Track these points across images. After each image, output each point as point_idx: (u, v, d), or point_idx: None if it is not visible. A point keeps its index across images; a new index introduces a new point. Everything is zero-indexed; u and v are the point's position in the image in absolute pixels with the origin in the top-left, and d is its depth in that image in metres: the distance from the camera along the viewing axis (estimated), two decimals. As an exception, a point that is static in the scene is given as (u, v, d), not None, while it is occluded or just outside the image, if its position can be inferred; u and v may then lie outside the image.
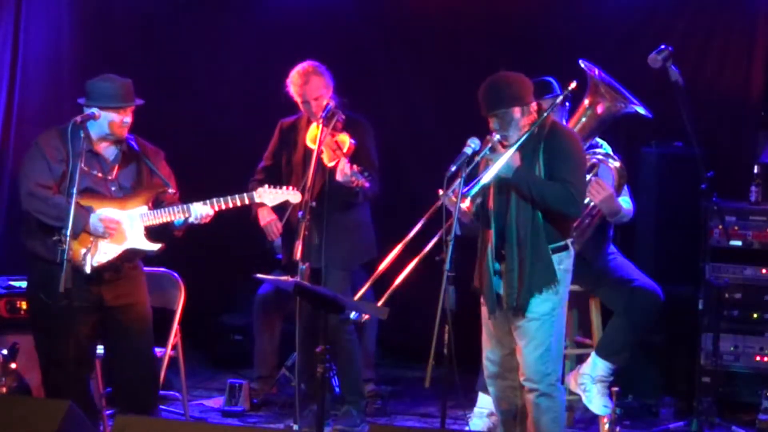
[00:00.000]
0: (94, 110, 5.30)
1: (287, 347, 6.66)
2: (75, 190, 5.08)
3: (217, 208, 5.47)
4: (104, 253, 5.31)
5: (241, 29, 7.83)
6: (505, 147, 5.00)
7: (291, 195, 5.70)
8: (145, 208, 5.38)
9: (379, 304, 5.29)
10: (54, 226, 5.16)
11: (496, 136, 5.00)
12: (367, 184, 5.89)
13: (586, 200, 5.70)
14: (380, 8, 7.73)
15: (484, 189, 5.00)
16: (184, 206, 5.41)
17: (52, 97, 7.50)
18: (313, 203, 5.83)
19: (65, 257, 5.03)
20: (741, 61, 7.04)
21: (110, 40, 7.70)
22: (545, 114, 5.06)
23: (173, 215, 5.39)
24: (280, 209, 6.18)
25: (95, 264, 5.27)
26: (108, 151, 5.42)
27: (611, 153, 5.87)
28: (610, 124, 5.81)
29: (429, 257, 5.19)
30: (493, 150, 5.00)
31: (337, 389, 6.50)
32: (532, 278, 4.98)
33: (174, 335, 5.98)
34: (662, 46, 5.73)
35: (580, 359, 6.05)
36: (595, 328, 6.03)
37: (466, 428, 5.96)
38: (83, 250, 5.26)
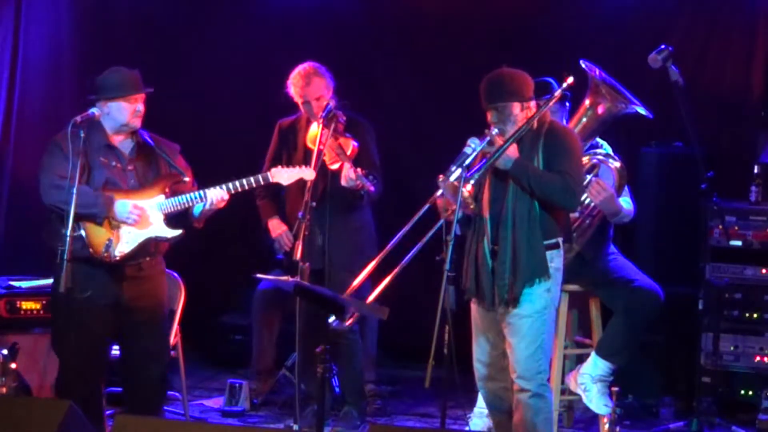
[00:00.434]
0: (95, 110, 5.31)
1: (287, 347, 6.66)
2: (75, 189, 5.08)
3: (232, 191, 5.47)
4: (126, 242, 5.33)
5: (242, 29, 7.82)
6: (502, 140, 5.01)
7: (305, 172, 5.68)
8: (162, 197, 5.40)
9: (370, 299, 5.28)
10: (79, 213, 5.15)
11: (494, 130, 5.01)
12: (372, 188, 5.89)
13: (587, 201, 5.72)
14: (380, 8, 7.73)
15: (482, 178, 4.98)
16: (200, 192, 5.42)
17: (52, 97, 7.51)
18: (313, 204, 5.82)
19: (65, 257, 5.03)
20: (741, 60, 7.04)
21: (110, 39, 7.69)
22: (543, 108, 5.05)
23: (190, 202, 5.40)
24: (286, 218, 6.23)
25: (118, 255, 5.29)
26: (124, 144, 5.45)
27: (612, 153, 5.86)
28: (610, 124, 5.80)
29: (428, 256, 5.16)
30: (491, 143, 5.01)
31: (337, 389, 6.49)
32: (525, 270, 4.98)
33: (174, 335, 5.98)
34: (662, 46, 5.72)
35: (580, 359, 6.04)
36: (595, 328, 6.02)
37: (466, 428, 5.95)
38: (106, 242, 5.28)
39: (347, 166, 5.89)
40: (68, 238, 5.05)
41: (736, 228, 6.44)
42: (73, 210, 5.07)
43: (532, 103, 5.09)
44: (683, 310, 6.49)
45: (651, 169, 6.81)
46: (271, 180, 5.60)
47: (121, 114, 5.38)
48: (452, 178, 4.90)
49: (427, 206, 5.13)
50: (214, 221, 5.72)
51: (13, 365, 5.79)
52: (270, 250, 6.61)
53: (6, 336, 6.06)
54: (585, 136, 5.74)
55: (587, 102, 5.76)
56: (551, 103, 5.13)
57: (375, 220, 6.39)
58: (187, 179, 5.47)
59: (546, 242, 5.05)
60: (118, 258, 5.32)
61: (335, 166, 5.97)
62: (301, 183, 5.89)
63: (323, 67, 6.19)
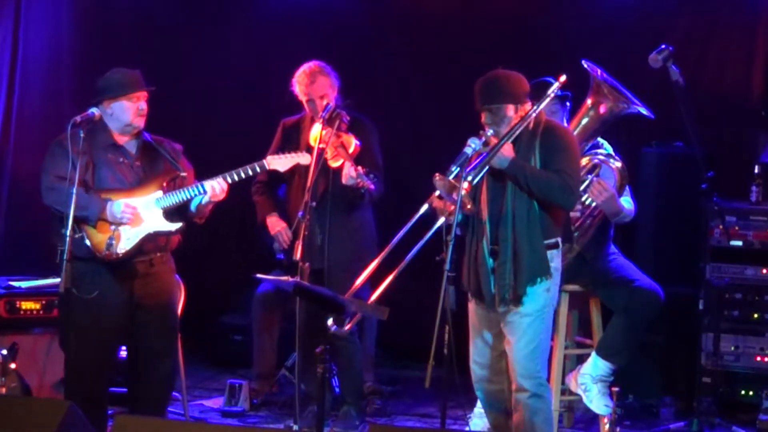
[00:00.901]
0: (94, 110, 5.33)
1: (287, 347, 6.65)
2: (75, 190, 5.09)
3: (229, 181, 5.46)
4: (127, 239, 5.33)
5: (242, 29, 7.83)
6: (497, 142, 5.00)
7: (301, 157, 5.68)
8: (160, 193, 5.41)
9: (372, 300, 5.27)
10: (75, 216, 5.15)
11: (489, 131, 5.00)
12: (372, 186, 5.88)
13: (588, 201, 5.71)
14: (380, 8, 7.73)
15: (479, 178, 4.96)
16: (198, 186, 5.42)
17: (52, 97, 7.51)
18: (313, 203, 5.81)
19: (65, 257, 5.03)
20: (741, 60, 7.04)
21: (110, 39, 7.70)
22: (538, 107, 5.01)
23: (188, 196, 5.40)
24: (287, 218, 6.21)
25: (121, 252, 5.30)
26: (129, 144, 5.47)
27: (613, 153, 5.85)
28: (611, 124, 5.79)
29: (428, 256, 5.15)
30: (486, 144, 5.00)
31: (337, 389, 6.48)
32: (527, 269, 4.98)
33: None
34: (663, 46, 5.69)
35: (581, 359, 6.03)
36: (596, 328, 6.01)
37: (467, 428, 5.95)
38: (107, 241, 5.29)
39: (348, 164, 5.88)
40: (68, 238, 5.05)
41: (737, 228, 6.43)
42: (73, 211, 5.09)
43: (528, 104, 5.07)
44: (684, 311, 6.48)
45: (651, 169, 6.81)
46: (267, 167, 5.59)
47: (124, 113, 5.39)
48: (450, 177, 4.89)
49: (425, 207, 5.12)
50: (214, 221, 5.73)
51: (13, 365, 5.84)
52: (270, 250, 6.59)
53: (6, 336, 6.05)
54: (586, 136, 5.74)
55: (589, 102, 5.75)
56: (544, 103, 5.07)
57: (375, 220, 6.37)
58: (184, 174, 5.48)
59: (546, 242, 5.04)
60: (121, 255, 5.32)
61: (336, 164, 5.95)
62: (302, 182, 5.90)
63: (328, 66, 6.19)
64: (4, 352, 5.81)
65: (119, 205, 5.30)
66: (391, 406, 6.76)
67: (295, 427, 5.85)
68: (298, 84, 6.16)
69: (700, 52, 7.05)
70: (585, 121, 5.77)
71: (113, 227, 5.32)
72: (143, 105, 5.41)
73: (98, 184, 5.37)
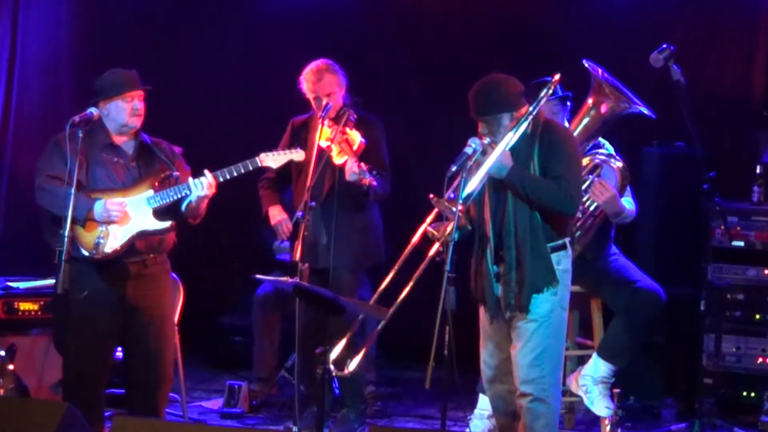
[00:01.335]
0: (93, 110, 5.32)
1: (287, 348, 6.63)
2: (73, 190, 5.09)
3: (220, 179, 5.44)
4: (115, 238, 5.31)
5: (242, 29, 7.82)
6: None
7: (294, 154, 5.66)
8: (151, 192, 5.39)
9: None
10: (60, 215, 5.16)
11: (486, 140, 4.96)
12: (375, 183, 5.86)
13: (589, 201, 5.70)
14: (381, 7, 7.72)
15: (475, 191, 4.93)
16: (188, 182, 5.40)
17: (51, 96, 7.50)
18: (312, 203, 5.80)
19: (63, 258, 5.02)
20: (743, 60, 7.03)
21: (109, 39, 7.69)
22: (532, 111, 4.95)
23: (178, 194, 5.38)
24: (291, 210, 6.17)
25: (109, 251, 5.28)
26: (127, 144, 5.46)
27: (614, 153, 5.84)
28: (612, 124, 5.77)
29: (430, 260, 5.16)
30: (483, 153, 4.96)
31: (337, 391, 6.46)
32: (532, 278, 4.93)
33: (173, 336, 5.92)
34: (664, 46, 5.64)
35: (582, 360, 6.02)
36: (597, 329, 6.00)
37: (467, 430, 5.93)
38: (95, 241, 5.27)
39: (351, 160, 5.86)
40: (66, 239, 5.04)
41: (738, 228, 6.41)
42: (70, 211, 5.07)
43: (523, 108, 5.00)
44: (685, 311, 6.48)
45: (652, 169, 6.80)
46: (260, 164, 5.56)
47: (120, 113, 5.38)
48: (449, 175, 4.86)
49: (419, 234, 5.13)
50: (214, 221, 5.72)
51: (11, 366, 5.84)
52: (269, 250, 6.57)
53: (4, 337, 6.04)
54: (587, 135, 5.73)
55: (590, 101, 5.73)
56: (538, 107, 5.00)
57: (382, 220, 6.34)
58: (176, 173, 5.45)
59: (552, 244, 4.99)
60: (109, 254, 5.30)
61: (341, 161, 5.94)
62: (305, 180, 5.88)
63: (336, 64, 6.18)
64: (2, 353, 5.82)
65: (101, 204, 5.28)
66: (391, 407, 6.75)
67: (295, 429, 5.83)
68: (306, 81, 6.14)
69: (701, 52, 7.05)
70: (586, 120, 5.75)
71: (102, 227, 5.30)
72: (138, 104, 5.39)
73: (92, 184, 5.36)
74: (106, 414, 5.66)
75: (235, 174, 5.46)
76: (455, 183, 4.90)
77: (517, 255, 4.95)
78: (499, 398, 5.24)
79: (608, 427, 5.80)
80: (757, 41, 6.97)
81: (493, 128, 4.97)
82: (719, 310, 6.32)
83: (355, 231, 6.15)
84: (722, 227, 6.27)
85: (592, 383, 5.81)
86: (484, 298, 5.07)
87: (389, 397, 6.90)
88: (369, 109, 6.35)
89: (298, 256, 5.70)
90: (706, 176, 5.77)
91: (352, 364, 5.37)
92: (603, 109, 5.71)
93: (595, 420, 6.09)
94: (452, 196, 4.86)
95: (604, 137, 5.88)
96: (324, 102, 6.05)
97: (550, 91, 5.07)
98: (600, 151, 5.82)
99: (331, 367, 4.94)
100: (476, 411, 5.87)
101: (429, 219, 5.13)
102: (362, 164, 5.83)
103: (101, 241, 5.28)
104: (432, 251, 5.13)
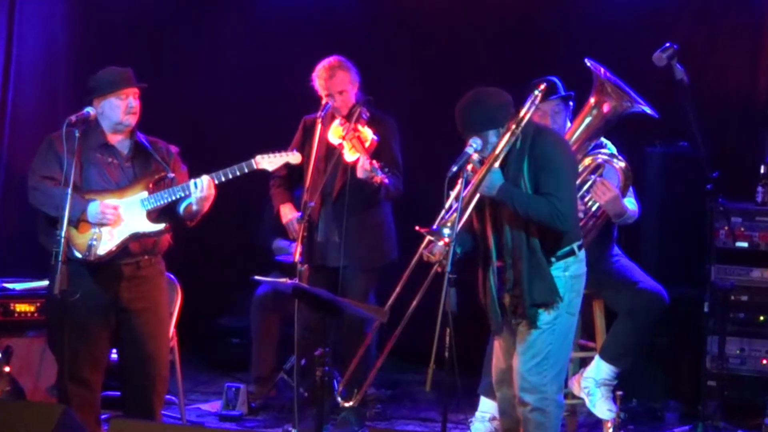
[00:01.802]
0: (90, 109, 5.30)
1: (286, 350, 6.62)
2: (70, 190, 5.06)
3: (216, 181, 5.41)
4: (109, 240, 5.29)
5: (240, 29, 7.81)
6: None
7: (290, 157, 5.62)
8: (145, 194, 5.37)
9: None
10: (54, 216, 5.15)
11: (475, 157, 4.90)
12: (387, 180, 5.84)
13: (591, 201, 5.67)
14: (382, 8, 7.72)
15: (457, 223, 4.82)
16: (183, 185, 5.37)
17: (47, 95, 7.48)
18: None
19: (59, 259, 5.00)
20: (747, 58, 7.01)
21: (106, 37, 7.68)
22: (515, 127, 4.86)
23: (173, 196, 5.35)
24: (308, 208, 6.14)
25: (102, 253, 5.25)
26: (122, 144, 5.43)
27: (616, 153, 5.80)
28: (615, 123, 5.73)
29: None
30: (474, 172, 4.92)
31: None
32: (532, 297, 4.90)
33: (171, 338, 5.92)
34: (667, 44, 5.66)
35: (584, 362, 5.98)
36: (599, 331, 5.96)
37: (468, 433, 5.90)
38: (88, 242, 5.25)
39: (363, 157, 5.85)
40: (62, 240, 5.01)
41: (742, 229, 6.41)
42: (66, 212, 5.04)
43: (511, 123, 4.91)
44: (688, 313, 6.47)
45: (655, 169, 6.79)
46: (255, 167, 5.53)
47: (114, 111, 5.35)
48: (449, 175, 4.81)
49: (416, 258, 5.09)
50: (212, 223, 5.68)
51: (7, 368, 5.83)
52: (268, 251, 6.57)
53: (0, 339, 6.01)
54: (589, 135, 5.69)
55: (592, 101, 5.70)
56: (525, 121, 4.90)
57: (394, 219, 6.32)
58: (172, 175, 5.43)
59: (560, 252, 4.94)
60: (103, 256, 5.28)
61: (352, 159, 5.93)
62: (319, 179, 5.90)
63: (349, 61, 6.17)
64: (-2, 355, 5.79)
65: (95, 205, 5.26)
66: (391, 410, 6.74)
67: (294, 432, 5.81)
68: (318, 79, 6.13)
69: (704, 51, 7.04)
70: (588, 120, 5.72)
71: (95, 228, 5.28)
72: (133, 102, 5.37)
73: (85, 185, 5.34)
74: (103, 417, 5.65)
75: (230, 176, 5.43)
76: (453, 192, 4.85)
77: (514, 271, 4.91)
78: (506, 402, 5.19)
79: (611, 430, 5.78)
80: (762, 40, 6.95)
81: (481, 144, 4.91)
82: (723, 312, 6.30)
83: (367, 230, 6.14)
84: (726, 228, 6.30)
85: (595, 386, 5.78)
86: (490, 311, 5.04)
87: (389, 399, 6.88)
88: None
89: (297, 257, 5.69)
90: (710, 176, 5.78)
91: (359, 395, 5.41)
92: (605, 108, 5.67)
93: (598, 423, 6.06)
94: (435, 228, 4.83)
95: (606, 137, 5.84)
96: (324, 102, 6.03)
97: (537, 103, 5.00)
98: (602, 150, 5.78)
99: (339, 399, 4.99)
100: (477, 414, 5.84)
101: (424, 244, 5.03)
102: (374, 161, 5.82)
103: (94, 242, 5.26)
104: (431, 274, 5.09)
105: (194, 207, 5.37)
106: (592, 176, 5.66)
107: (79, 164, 5.26)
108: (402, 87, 7.63)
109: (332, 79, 6.07)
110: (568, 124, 5.75)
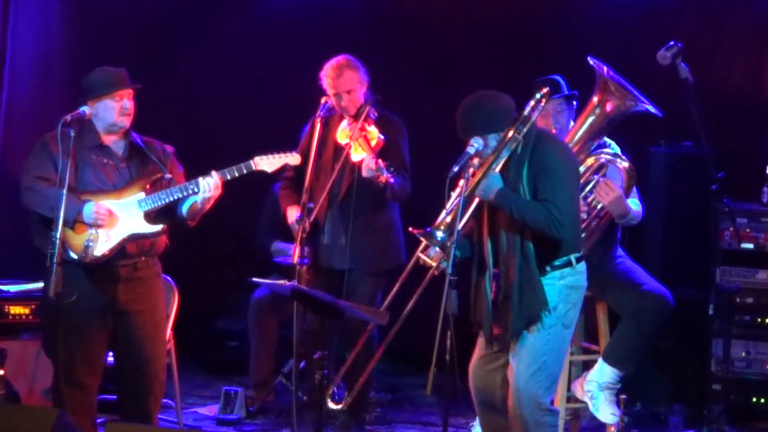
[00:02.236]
0: (85, 109, 5.27)
1: (284, 353, 6.61)
2: (65, 191, 5.02)
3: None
4: (106, 241, 5.26)
5: (238, 29, 7.81)
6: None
7: (289, 158, 5.58)
8: (142, 195, 5.34)
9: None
10: (49, 217, 5.11)
11: (475, 160, 4.87)
12: (392, 180, 5.81)
13: (594, 202, 5.63)
14: (381, 6, 7.72)
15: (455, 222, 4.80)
16: (186, 185, 5.32)
17: (41, 95, 7.46)
18: (310, 204, 5.77)
19: (54, 261, 4.95)
20: (752, 57, 7.01)
21: (102, 35, 7.66)
22: (515, 131, 4.82)
23: (173, 196, 5.31)
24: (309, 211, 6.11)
25: (99, 254, 5.22)
26: (117, 144, 5.40)
27: (619, 153, 5.77)
28: (618, 123, 5.70)
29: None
30: (473, 176, 4.88)
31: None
32: (521, 309, 4.85)
33: (168, 341, 5.89)
34: (671, 42, 5.63)
35: (587, 366, 5.95)
36: (603, 334, 5.92)
37: (469, 437, 5.87)
38: (84, 243, 5.22)
39: (368, 156, 5.83)
40: (57, 241, 4.98)
41: (748, 230, 6.40)
42: (62, 213, 5.00)
43: (513, 128, 4.87)
44: (693, 315, 6.46)
45: (660, 169, 6.79)
46: (254, 168, 5.48)
47: (108, 113, 5.33)
48: (450, 176, 4.78)
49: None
50: (209, 224, 5.64)
51: (1, 372, 5.80)
52: (266, 253, 6.54)
53: (-6, 342, 6.03)
54: (592, 134, 5.65)
55: (595, 100, 5.66)
56: (526, 128, 4.86)
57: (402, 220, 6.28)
58: (169, 176, 5.40)
59: (557, 262, 4.89)
60: (99, 257, 5.24)
61: (359, 158, 5.91)
62: (325, 180, 5.90)
63: (358, 60, 6.15)
64: (-8, 358, 5.77)
65: (90, 206, 5.23)
66: (391, 414, 6.72)
67: (293, 436, 5.82)
68: (325, 78, 6.11)
69: (709, 49, 7.03)
70: (591, 119, 5.68)
71: (92, 229, 5.25)
72: (128, 104, 5.34)
73: (81, 185, 5.30)
74: (99, 420, 5.60)
75: (228, 177, 5.39)
76: (454, 192, 4.82)
77: (506, 282, 4.87)
78: (482, 388, 5.10)
79: (614, 435, 5.78)
80: (767, 37, 6.95)
81: (480, 149, 4.88)
82: (728, 314, 6.29)
83: (374, 232, 6.11)
84: (731, 229, 6.27)
85: (598, 389, 5.74)
86: (480, 320, 4.99)
87: (389, 403, 6.87)
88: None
89: (295, 258, 5.66)
90: (715, 177, 5.75)
91: (350, 397, 5.37)
92: (608, 107, 5.64)
93: (601, 427, 6.03)
94: (429, 230, 4.80)
95: (609, 136, 5.81)
96: (323, 101, 6.02)
97: (540, 108, 4.95)
98: (605, 150, 5.74)
99: (328, 401, 4.97)
100: (478, 417, 5.77)
101: (422, 246, 5.02)
102: (379, 161, 5.80)
103: (91, 244, 5.23)
104: (428, 276, 5.06)
105: (199, 206, 5.34)
106: (595, 176, 5.63)
107: (74, 165, 5.24)
108: (402, 87, 7.60)
109: (340, 78, 6.05)
110: (571, 123, 5.72)
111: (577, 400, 5.85)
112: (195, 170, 5.53)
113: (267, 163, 5.49)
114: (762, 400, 6.36)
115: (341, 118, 6.14)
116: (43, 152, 5.26)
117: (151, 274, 5.43)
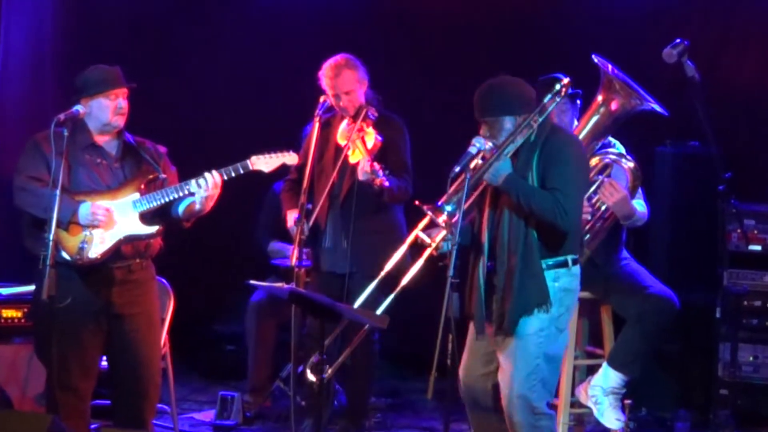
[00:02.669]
0: (79, 108, 5.22)
1: (282, 357, 6.59)
2: (59, 191, 4.97)
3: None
4: (101, 243, 5.21)
5: (236, 29, 7.80)
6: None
7: (287, 157, 5.52)
8: (137, 195, 5.30)
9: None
10: (43, 218, 5.06)
11: (488, 144, 4.84)
12: (387, 183, 5.75)
13: (599, 203, 5.61)
14: (383, 7, 7.72)
15: (462, 201, 4.76)
16: (181, 186, 5.28)
17: (34, 94, 7.42)
18: (309, 205, 5.73)
19: (47, 263, 4.89)
20: (760, 55, 6.99)
21: (94, 34, 7.64)
22: (533, 116, 4.80)
23: (168, 196, 5.27)
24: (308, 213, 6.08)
25: (93, 256, 5.18)
26: (110, 144, 5.37)
27: (624, 153, 5.75)
28: (623, 122, 5.67)
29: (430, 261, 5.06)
30: (483, 159, 4.84)
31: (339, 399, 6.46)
32: (521, 297, 4.78)
33: (163, 345, 5.89)
34: (678, 40, 5.55)
35: (591, 370, 5.92)
36: (607, 338, 5.89)
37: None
38: (79, 245, 5.18)
39: (364, 158, 5.79)
40: (50, 243, 4.91)
41: (756, 232, 6.40)
42: (55, 214, 4.94)
43: (530, 113, 4.86)
44: (700, 319, 6.43)
45: (666, 169, 6.77)
46: (251, 168, 5.43)
47: (103, 112, 5.28)
48: (451, 176, 4.76)
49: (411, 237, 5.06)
50: (206, 225, 5.60)
51: None
52: (264, 255, 6.48)
53: (-14, 346, 6.02)
54: (597, 133, 5.62)
55: (600, 98, 5.64)
56: (544, 116, 4.85)
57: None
58: (164, 176, 5.37)
59: (551, 261, 4.83)
60: (93, 259, 5.20)
61: (356, 160, 5.88)
62: (326, 181, 5.88)
63: (357, 60, 6.10)
64: (-17, 362, 5.73)
65: (87, 207, 5.19)
66: (391, 419, 6.72)
67: (291, 442, 5.84)
68: (324, 77, 6.06)
69: (716, 47, 7.02)
70: (595, 118, 5.66)
71: (86, 231, 5.21)
72: (122, 103, 5.31)
73: (74, 186, 5.25)
74: (93, 426, 5.58)
75: (225, 177, 5.34)
76: (455, 185, 4.78)
77: (508, 270, 4.81)
78: (471, 389, 5.02)
79: (619, 440, 5.75)
80: (775, 36, 7.01)
81: (494, 131, 4.85)
82: (735, 318, 6.28)
83: (375, 234, 6.04)
84: (739, 230, 6.26)
85: (602, 394, 5.71)
86: (472, 312, 4.93)
87: (389, 408, 6.86)
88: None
89: (293, 261, 5.61)
90: (722, 177, 5.70)
91: (331, 370, 5.26)
92: (613, 106, 5.62)
93: (606, 432, 6.04)
94: (438, 204, 4.75)
95: (614, 136, 5.80)
96: (322, 100, 5.97)
97: (558, 99, 4.94)
98: (610, 150, 5.73)
99: (308, 371, 4.93)
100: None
101: (421, 224, 5.02)
102: (375, 163, 5.75)
103: (85, 245, 5.19)
104: (423, 257, 5.02)
105: (197, 206, 5.29)
106: (600, 176, 5.62)
107: (67, 165, 5.18)
108: (402, 87, 7.57)
109: (338, 78, 6.00)
110: (575, 122, 5.70)
111: (582, 406, 5.83)
112: (195, 170, 5.51)
113: (264, 163, 5.44)
114: (770, 406, 6.40)
115: (342, 118, 6.10)
116: (35, 152, 5.22)
117: (146, 276, 5.40)
